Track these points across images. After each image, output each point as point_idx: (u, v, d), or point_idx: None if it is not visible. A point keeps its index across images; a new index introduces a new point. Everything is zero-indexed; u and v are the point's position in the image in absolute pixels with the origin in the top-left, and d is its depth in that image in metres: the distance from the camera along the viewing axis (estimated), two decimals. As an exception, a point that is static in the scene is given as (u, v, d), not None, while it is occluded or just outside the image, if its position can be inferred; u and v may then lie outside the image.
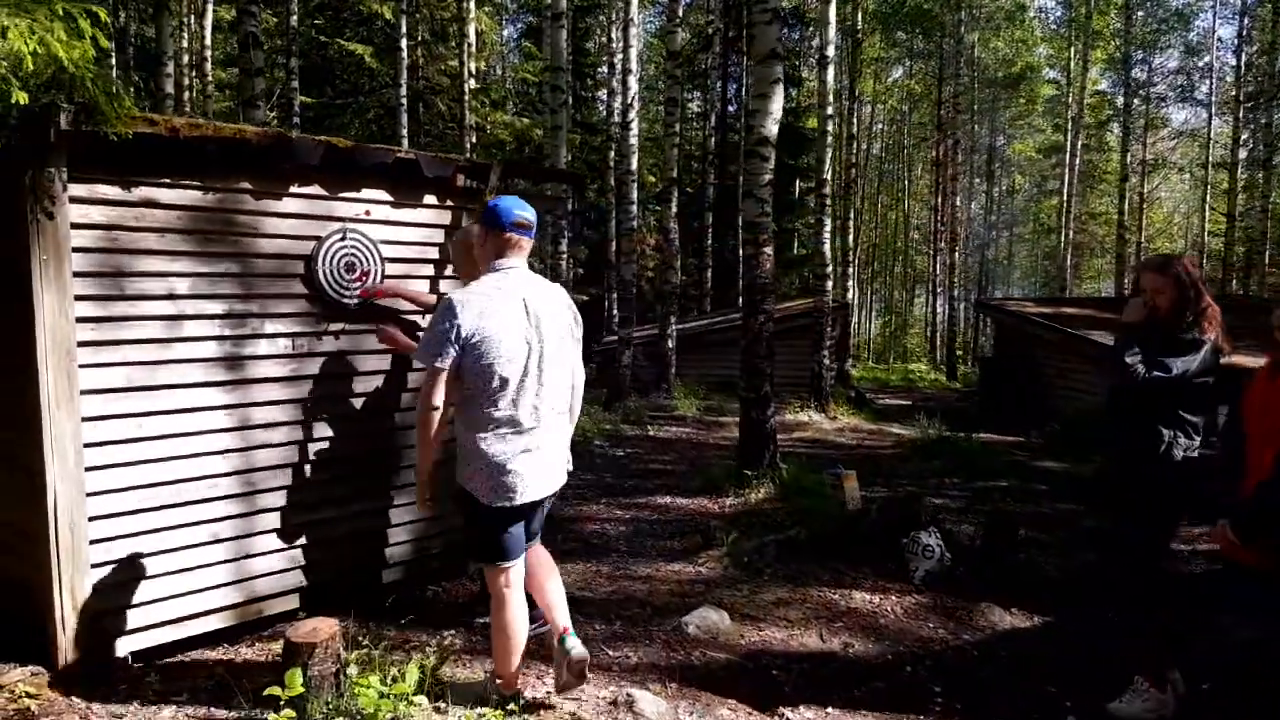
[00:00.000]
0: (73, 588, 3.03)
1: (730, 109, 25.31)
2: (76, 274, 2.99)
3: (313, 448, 3.72)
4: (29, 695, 2.91)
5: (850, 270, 25.38)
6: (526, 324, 2.80)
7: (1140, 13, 26.19)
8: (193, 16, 16.49)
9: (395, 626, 3.62)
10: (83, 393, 3.02)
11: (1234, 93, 24.15)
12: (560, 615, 3.02)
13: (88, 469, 3.04)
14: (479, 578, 3.80)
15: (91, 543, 3.08)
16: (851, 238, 25.72)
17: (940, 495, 6.76)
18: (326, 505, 3.79)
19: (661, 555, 5.14)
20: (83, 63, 2.69)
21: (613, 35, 21.05)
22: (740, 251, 14.36)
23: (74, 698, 2.96)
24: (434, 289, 4.11)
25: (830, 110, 15.00)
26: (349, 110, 17.89)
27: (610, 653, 3.65)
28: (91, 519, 3.07)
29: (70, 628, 3.04)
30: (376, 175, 3.83)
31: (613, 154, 19.90)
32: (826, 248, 14.35)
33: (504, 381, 2.75)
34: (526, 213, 2.88)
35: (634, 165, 14.13)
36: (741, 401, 7.24)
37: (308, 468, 3.70)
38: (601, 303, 20.76)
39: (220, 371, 3.43)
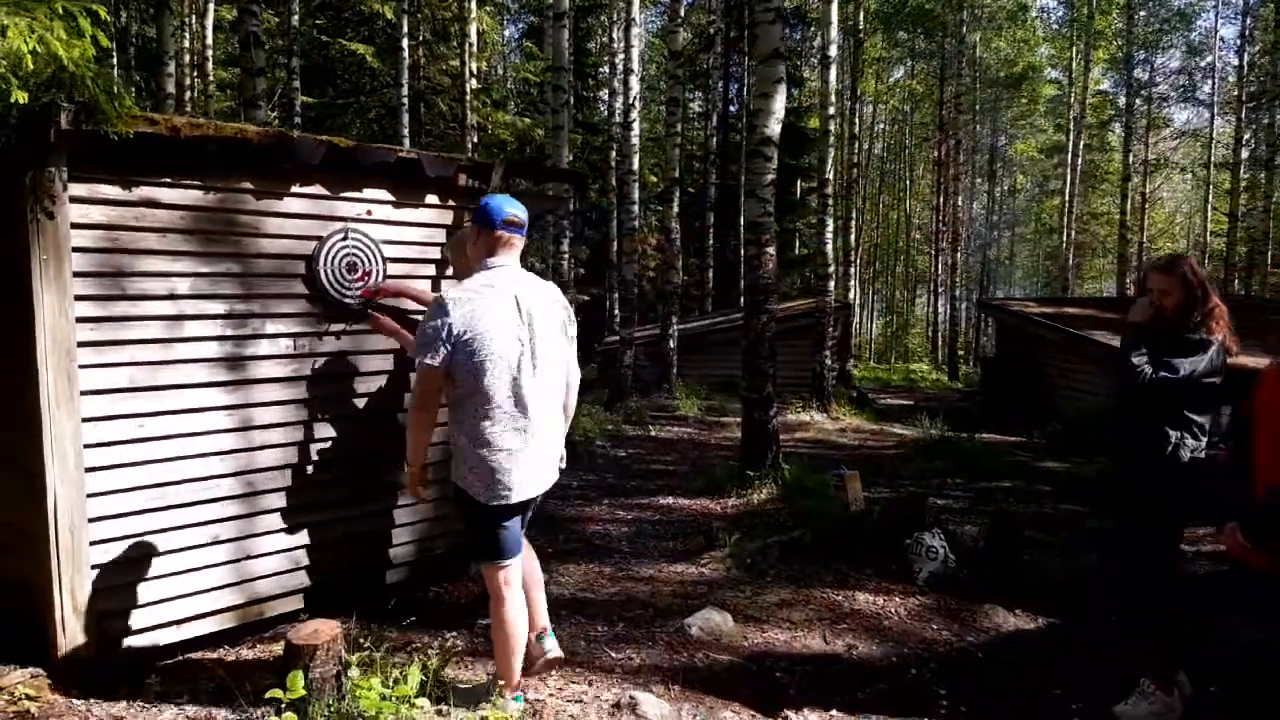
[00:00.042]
0: (73, 588, 3.02)
1: (732, 109, 25.28)
2: (77, 274, 2.98)
3: (314, 448, 3.70)
4: (29, 697, 2.90)
5: (852, 270, 25.37)
6: (518, 321, 2.80)
7: (1142, 13, 26.17)
8: (194, 16, 16.49)
9: (397, 628, 3.61)
10: (83, 393, 3.01)
11: (1236, 93, 24.11)
12: (540, 615, 3.13)
13: (88, 469, 3.03)
14: (481, 578, 3.79)
15: (92, 543, 3.06)
16: (853, 237, 25.72)
17: (943, 496, 6.74)
18: (328, 506, 3.77)
19: (664, 556, 5.13)
20: (83, 62, 2.68)
21: (614, 35, 21.08)
22: (742, 251, 14.36)
23: (74, 699, 2.95)
24: (436, 289, 4.10)
25: (832, 110, 15.00)
26: (350, 110, 17.87)
27: (613, 654, 3.63)
28: (92, 520, 3.06)
29: (70, 629, 3.02)
30: (378, 175, 3.82)
31: (614, 154, 19.90)
32: (828, 247, 14.34)
33: (496, 379, 2.75)
34: (518, 211, 2.89)
35: (635, 165, 14.12)
36: (744, 402, 7.23)
37: (309, 468, 3.69)
38: (603, 303, 20.77)
39: (221, 372, 3.41)
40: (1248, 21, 24.73)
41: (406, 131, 15.36)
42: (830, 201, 14.47)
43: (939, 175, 28.35)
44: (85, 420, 3.02)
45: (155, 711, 2.93)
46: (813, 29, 25.20)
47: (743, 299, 14.06)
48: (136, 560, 3.21)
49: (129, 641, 3.22)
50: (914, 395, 19.18)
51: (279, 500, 3.61)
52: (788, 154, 21.38)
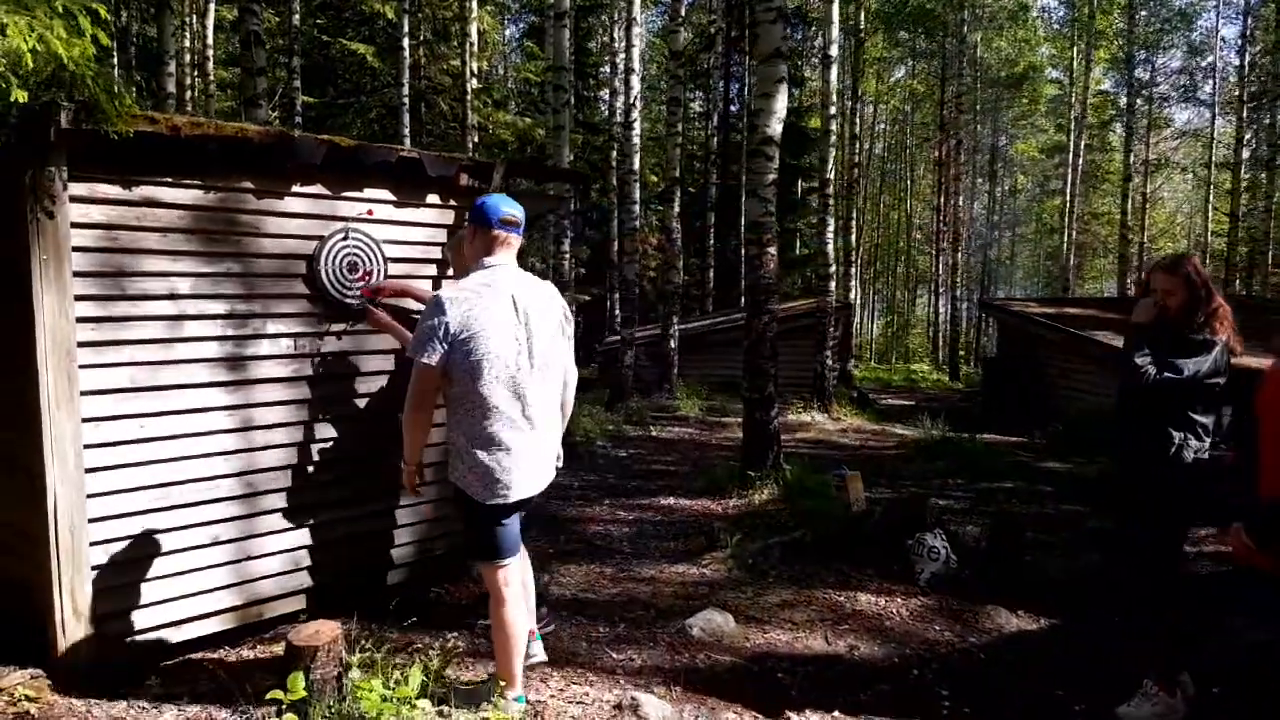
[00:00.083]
0: (73, 589, 3.01)
1: (733, 109, 25.28)
2: (77, 274, 2.97)
3: (315, 448, 3.69)
4: (29, 698, 2.89)
5: (853, 270, 25.41)
6: (515, 321, 2.80)
7: (1143, 13, 26.14)
8: (194, 16, 16.48)
9: (398, 629, 3.60)
10: (83, 393, 3.00)
11: (1237, 93, 24.11)
12: (529, 619, 3.16)
13: (88, 470, 3.02)
14: (481, 579, 3.78)
15: (92, 544, 3.05)
16: (854, 237, 25.72)
17: (944, 496, 6.73)
18: (329, 506, 3.77)
19: (665, 557, 5.12)
20: (83, 60, 2.67)
21: (615, 35, 21.06)
22: (743, 251, 14.37)
23: (74, 700, 2.94)
24: (437, 289, 4.09)
25: (833, 110, 14.98)
26: (351, 110, 17.88)
27: (614, 655, 3.63)
28: (92, 520, 3.05)
29: (70, 629, 3.01)
30: (379, 174, 3.81)
31: (615, 154, 19.89)
32: (829, 247, 14.32)
33: (493, 378, 2.74)
34: (515, 210, 2.89)
35: (636, 165, 14.11)
36: (745, 402, 7.22)
37: (310, 468, 3.68)
38: (604, 303, 20.77)
39: (222, 372, 3.40)
40: (1249, 21, 24.72)
41: (407, 131, 15.36)
42: (831, 201, 14.45)
43: (940, 175, 28.33)
44: (85, 421, 3.01)
45: (155, 712, 2.92)
46: (814, 29, 25.20)
47: (744, 299, 14.06)
48: (137, 561, 3.20)
49: (129, 642, 3.21)
50: (915, 395, 19.16)
51: (280, 500, 3.60)
52: (789, 154, 21.36)
